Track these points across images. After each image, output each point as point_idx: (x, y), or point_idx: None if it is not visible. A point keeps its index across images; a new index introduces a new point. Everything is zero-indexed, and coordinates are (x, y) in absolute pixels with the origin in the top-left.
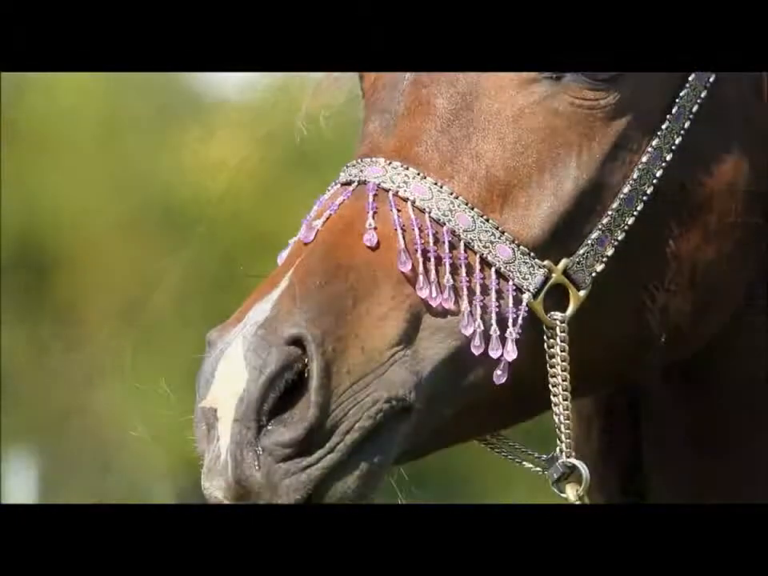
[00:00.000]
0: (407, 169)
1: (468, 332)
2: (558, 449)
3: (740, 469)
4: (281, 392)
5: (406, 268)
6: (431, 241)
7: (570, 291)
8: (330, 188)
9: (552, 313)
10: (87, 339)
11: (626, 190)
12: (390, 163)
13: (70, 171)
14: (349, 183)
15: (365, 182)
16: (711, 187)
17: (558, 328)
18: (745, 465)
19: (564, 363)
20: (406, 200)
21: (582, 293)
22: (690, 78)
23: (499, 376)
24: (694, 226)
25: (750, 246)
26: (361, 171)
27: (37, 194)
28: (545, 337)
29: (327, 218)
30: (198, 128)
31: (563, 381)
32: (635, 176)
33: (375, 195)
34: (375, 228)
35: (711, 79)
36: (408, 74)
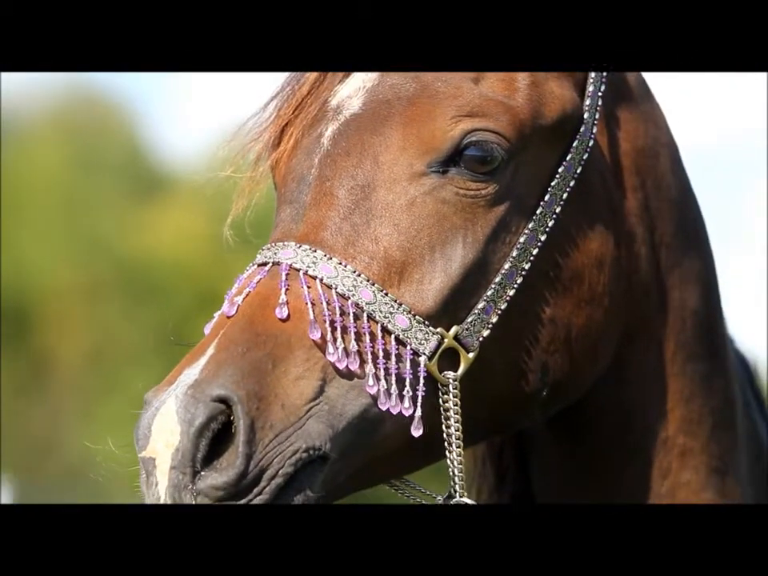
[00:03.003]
0: (315, 251)
1: (373, 391)
2: (452, 489)
3: (613, 497)
4: (210, 440)
5: (316, 336)
6: (338, 312)
7: (460, 354)
8: (248, 268)
9: (446, 372)
10: (57, 384)
11: (506, 266)
12: (300, 246)
13: (45, 241)
14: (265, 264)
15: (278, 263)
16: (581, 262)
17: (450, 385)
18: (617, 494)
19: (457, 416)
20: (315, 278)
21: (471, 355)
22: (559, 170)
23: (414, 428)
24: (567, 295)
25: (617, 311)
26: (275, 254)
27: (19, 260)
28: (440, 393)
29: (247, 295)
30: (157, 204)
31: (456, 431)
32: (514, 254)
33: (288, 274)
34: (287, 302)
35: (578, 171)
36: (313, 170)
